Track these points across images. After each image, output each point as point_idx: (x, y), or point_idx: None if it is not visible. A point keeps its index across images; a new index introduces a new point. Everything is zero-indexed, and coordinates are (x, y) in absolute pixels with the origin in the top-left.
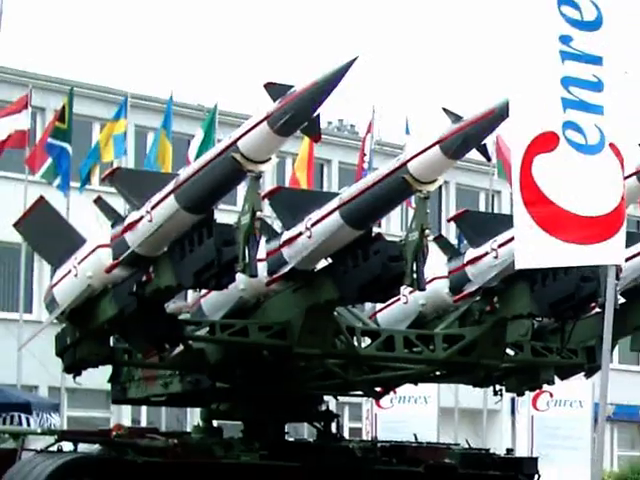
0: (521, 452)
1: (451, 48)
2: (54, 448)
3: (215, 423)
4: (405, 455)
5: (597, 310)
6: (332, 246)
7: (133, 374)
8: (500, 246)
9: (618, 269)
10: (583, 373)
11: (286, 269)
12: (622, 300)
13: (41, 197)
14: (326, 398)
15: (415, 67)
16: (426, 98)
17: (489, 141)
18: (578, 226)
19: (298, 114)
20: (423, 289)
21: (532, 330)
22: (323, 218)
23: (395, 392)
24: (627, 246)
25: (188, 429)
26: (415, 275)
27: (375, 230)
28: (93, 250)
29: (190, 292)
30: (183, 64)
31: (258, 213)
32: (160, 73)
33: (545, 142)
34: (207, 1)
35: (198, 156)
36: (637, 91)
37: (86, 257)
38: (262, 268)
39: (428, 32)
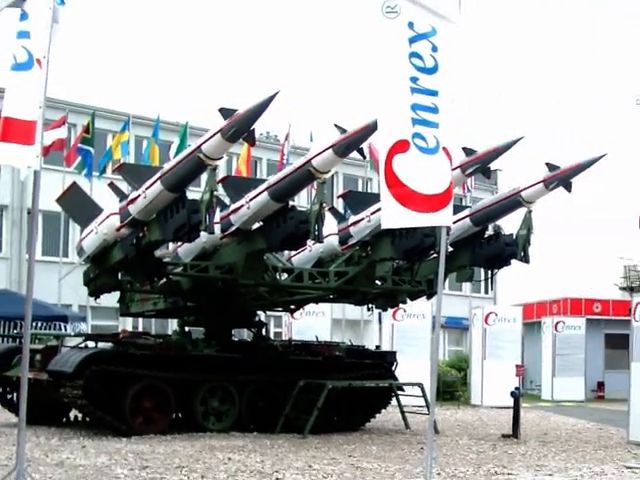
0: (385, 348)
1: (343, 81)
2: (82, 345)
3: (187, 329)
4: (310, 350)
5: (434, 255)
6: (262, 214)
7: (134, 297)
8: (372, 214)
9: (448, 229)
10: (425, 296)
11: (233, 229)
12: (451, 249)
13: (74, 182)
14: (259, 313)
15: (316, 94)
16: (324, 116)
17: (365, 145)
18: (422, 201)
19: (240, 128)
20: (321, 242)
21: (392, 268)
22: (257, 195)
23: (303, 308)
24: (454, 214)
25: (169, 332)
26: (316, 233)
27: (291, 203)
28: (107, 217)
29: (171, 244)
30: (166, 95)
31: (215, 192)
32: (151, 100)
33: (401, 146)
34: (182, 49)
35: (176, 155)
36: (460, 114)
37: (103, 221)
38: (217, 228)
39: (328, 73)
